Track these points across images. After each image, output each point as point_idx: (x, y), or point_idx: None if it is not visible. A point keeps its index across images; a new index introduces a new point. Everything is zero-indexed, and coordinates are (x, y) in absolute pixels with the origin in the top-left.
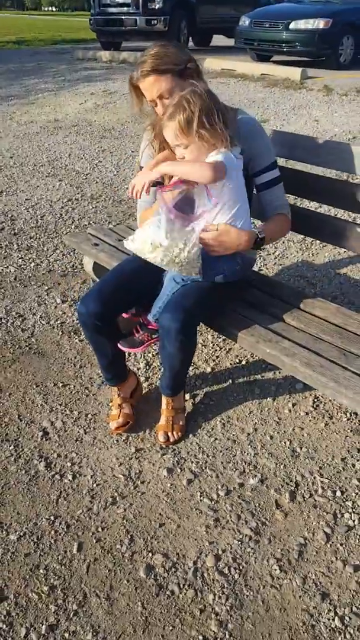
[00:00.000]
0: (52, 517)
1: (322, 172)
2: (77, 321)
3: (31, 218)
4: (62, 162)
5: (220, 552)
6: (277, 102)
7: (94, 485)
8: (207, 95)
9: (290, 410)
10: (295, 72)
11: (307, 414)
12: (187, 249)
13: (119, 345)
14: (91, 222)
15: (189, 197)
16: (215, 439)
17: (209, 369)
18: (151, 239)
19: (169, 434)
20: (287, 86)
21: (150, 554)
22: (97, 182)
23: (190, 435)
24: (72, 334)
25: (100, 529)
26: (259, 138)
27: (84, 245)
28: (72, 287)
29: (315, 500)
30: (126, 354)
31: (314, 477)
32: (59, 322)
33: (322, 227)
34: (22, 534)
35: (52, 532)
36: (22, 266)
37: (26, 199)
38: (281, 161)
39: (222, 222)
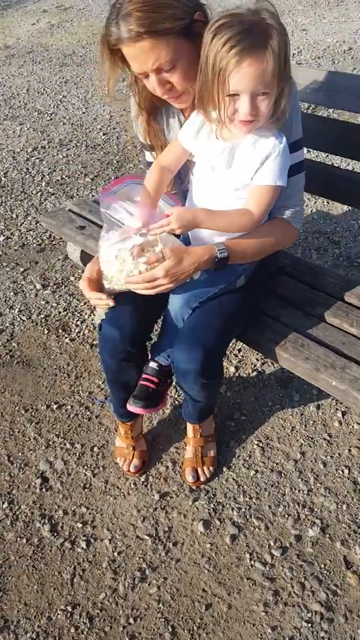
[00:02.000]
0: (69, 607)
1: None
2: (66, 315)
3: None
4: (21, 100)
5: None
6: None
7: (115, 554)
8: None
9: (341, 422)
10: None
11: None
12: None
13: (128, 407)
14: (64, 175)
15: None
16: (256, 471)
17: (232, 369)
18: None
19: (199, 470)
20: None
21: None
22: (64, 124)
23: (224, 469)
24: (60, 330)
25: (132, 619)
26: None
27: (66, 230)
28: (52, 265)
29: None
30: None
31: None
32: (42, 315)
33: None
34: (34, 635)
35: (72, 630)
36: None
37: None
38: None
39: (167, 243)
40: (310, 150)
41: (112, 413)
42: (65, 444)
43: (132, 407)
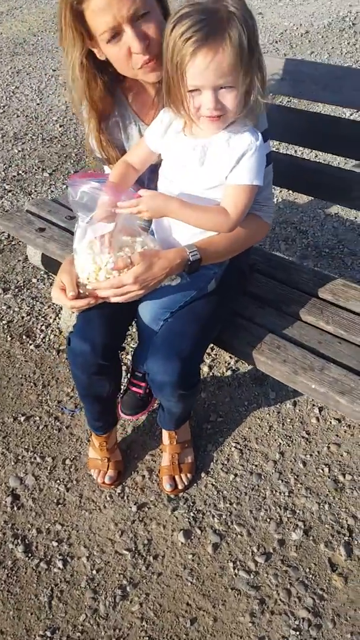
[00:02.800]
0: (48, 632)
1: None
2: (29, 320)
3: None
4: None
5: None
6: None
7: (94, 571)
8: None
9: (318, 419)
10: None
11: (339, 421)
12: (138, 244)
13: (120, 413)
14: (20, 171)
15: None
16: (235, 475)
17: (206, 368)
18: (90, 263)
19: (177, 478)
20: None
21: None
22: (18, 116)
23: (203, 474)
24: (23, 337)
25: None
26: None
27: (25, 232)
28: (12, 268)
29: None
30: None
31: None
32: (3, 321)
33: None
34: None
35: None
36: None
37: None
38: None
39: (137, 248)
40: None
41: (85, 424)
42: (35, 458)
43: (123, 414)
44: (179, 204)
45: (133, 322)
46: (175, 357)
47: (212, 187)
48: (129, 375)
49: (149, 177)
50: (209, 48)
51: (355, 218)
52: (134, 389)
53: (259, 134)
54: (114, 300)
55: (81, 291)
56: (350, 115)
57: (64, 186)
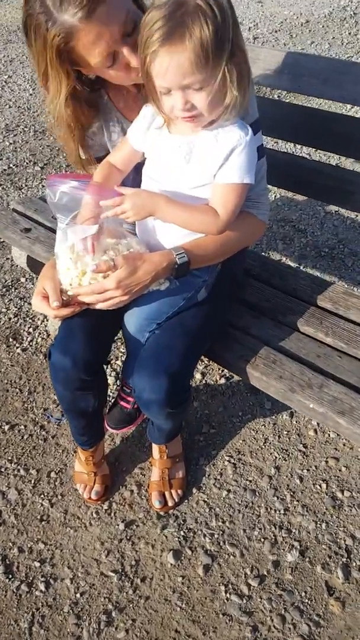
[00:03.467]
0: None
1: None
2: (17, 321)
3: None
4: None
5: None
6: None
7: (78, 595)
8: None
9: (316, 431)
10: None
11: (338, 434)
12: (123, 247)
13: (107, 426)
14: (11, 164)
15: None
16: (229, 490)
17: (198, 376)
18: (72, 267)
19: (167, 494)
20: None
21: None
22: (10, 107)
23: (194, 490)
24: (10, 339)
25: None
26: None
27: (9, 233)
28: (0, 266)
29: None
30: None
31: None
32: None
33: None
34: None
35: None
36: None
37: None
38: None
39: (121, 250)
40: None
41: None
42: (19, 470)
43: (111, 429)
44: (165, 200)
45: (117, 337)
46: (163, 373)
47: (199, 186)
48: (118, 384)
49: (133, 178)
50: (169, 47)
51: (357, 216)
52: (122, 402)
53: (249, 127)
54: (98, 307)
55: (64, 298)
56: (348, 110)
57: None
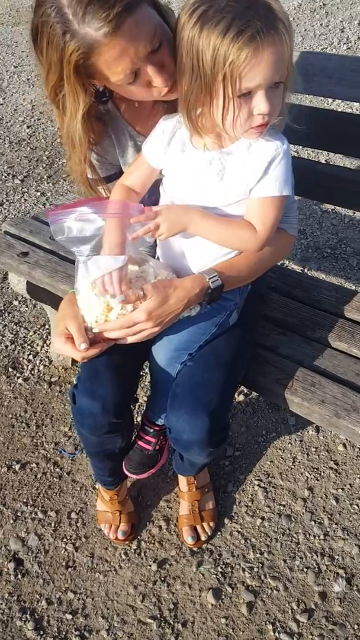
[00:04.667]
0: None
1: None
2: (14, 349)
3: None
4: None
5: None
6: None
7: None
8: None
9: (345, 446)
10: None
11: None
12: (150, 274)
13: (126, 473)
14: None
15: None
16: (262, 518)
17: None
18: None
19: (198, 528)
20: None
21: None
22: None
23: (226, 521)
24: (9, 369)
25: None
26: None
27: (5, 258)
28: None
29: None
30: None
31: None
32: None
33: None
34: None
35: None
36: None
37: None
38: None
39: (149, 279)
40: None
41: (89, 469)
42: (36, 514)
43: (130, 474)
44: (200, 214)
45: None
46: (203, 411)
47: (233, 203)
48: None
49: (148, 198)
50: (272, 41)
51: (354, 214)
52: (141, 443)
53: (284, 137)
54: (129, 341)
55: (89, 336)
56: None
57: (38, 193)
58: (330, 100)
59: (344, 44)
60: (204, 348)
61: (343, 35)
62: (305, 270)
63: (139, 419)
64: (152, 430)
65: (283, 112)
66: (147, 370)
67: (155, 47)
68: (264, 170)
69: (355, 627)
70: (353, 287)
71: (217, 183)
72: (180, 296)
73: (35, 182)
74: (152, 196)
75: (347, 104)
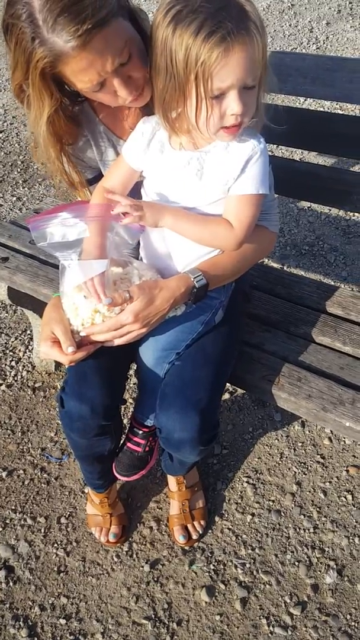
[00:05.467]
0: None
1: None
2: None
3: None
4: None
5: None
6: None
7: None
8: None
9: (331, 439)
10: None
11: (354, 441)
12: (135, 276)
13: (116, 475)
14: None
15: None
16: (252, 514)
17: None
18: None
19: (189, 527)
20: None
21: None
22: None
23: (217, 518)
24: None
25: None
26: None
27: None
28: None
29: None
30: None
31: None
32: None
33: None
34: None
35: None
36: None
37: None
38: None
39: (134, 281)
40: None
41: (76, 473)
42: (25, 520)
43: (120, 476)
44: (178, 210)
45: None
46: (193, 410)
47: (214, 202)
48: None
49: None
50: (243, 42)
51: (330, 210)
52: (131, 445)
53: (260, 136)
54: (117, 342)
55: (75, 339)
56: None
57: (14, 198)
58: (302, 99)
59: (313, 43)
60: (191, 347)
61: (312, 35)
62: (285, 268)
63: (126, 420)
64: (141, 432)
65: (260, 112)
66: (131, 372)
67: (123, 61)
68: (241, 169)
69: (348, 617)
70: (332, 283)
71: (196, 183)
72: (166, 296)
73: (11, 187)
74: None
75: (319, 103)
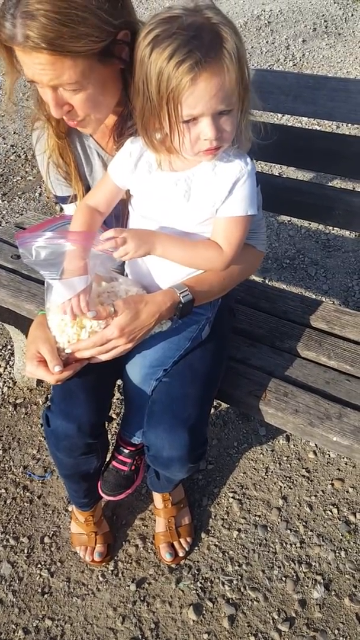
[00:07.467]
0: None
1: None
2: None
3: None
4: None
5: None
6: None
7: None
8: None
9: (315, 453)
10: None
11: (338, 454)
12: (121, 290)
13: (102, 495)
14: None
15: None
16: (239, 530)
17: None
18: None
19: (175, 544)
20: None
21: None
22: None
23: (203, 535)
24: None
25: None
26: None
27: None
28: None
29: None
30: None
31: None
32: None
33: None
34: None
35: None
36: None
37: None
38: None
39: (119, 295)
40: None
41: (59, 491)
42: (8, 540)
43: (106, 496)
44: (166, 237)
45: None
46: (182, 427)
47: (202, 222)
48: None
49: (115, 215)
50: (212, 71)
51: (310, 224)
52: (116, 464)
53: (248, 157)
54: (101, 358)
55: (61, 357)
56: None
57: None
58: (279, 115)
59: (290, 60)
60: (178, 363)
61: (288, 52)
62: (266, 281)
63: (111, 436)
64: (127, 451)
65: (245, 133)
66: (115, 389)
67: (65, 89)
68: (229, 191)
69: (336, 632)
70: (314, 296)
71: (184, 204)
72: (152, 311)
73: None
74: (119, 223)
75: (297, 119)
